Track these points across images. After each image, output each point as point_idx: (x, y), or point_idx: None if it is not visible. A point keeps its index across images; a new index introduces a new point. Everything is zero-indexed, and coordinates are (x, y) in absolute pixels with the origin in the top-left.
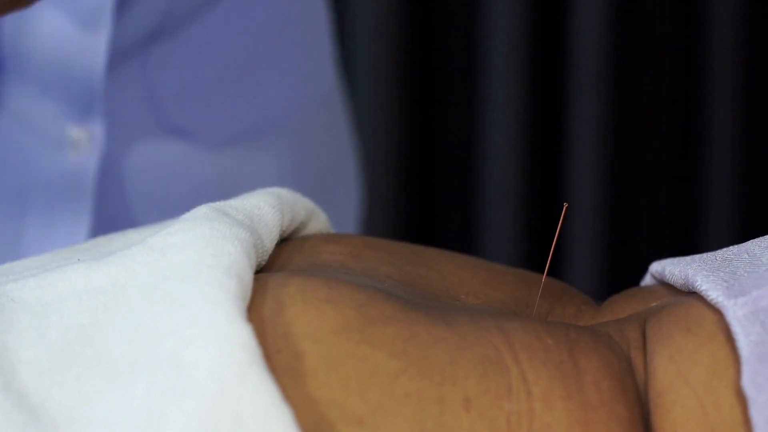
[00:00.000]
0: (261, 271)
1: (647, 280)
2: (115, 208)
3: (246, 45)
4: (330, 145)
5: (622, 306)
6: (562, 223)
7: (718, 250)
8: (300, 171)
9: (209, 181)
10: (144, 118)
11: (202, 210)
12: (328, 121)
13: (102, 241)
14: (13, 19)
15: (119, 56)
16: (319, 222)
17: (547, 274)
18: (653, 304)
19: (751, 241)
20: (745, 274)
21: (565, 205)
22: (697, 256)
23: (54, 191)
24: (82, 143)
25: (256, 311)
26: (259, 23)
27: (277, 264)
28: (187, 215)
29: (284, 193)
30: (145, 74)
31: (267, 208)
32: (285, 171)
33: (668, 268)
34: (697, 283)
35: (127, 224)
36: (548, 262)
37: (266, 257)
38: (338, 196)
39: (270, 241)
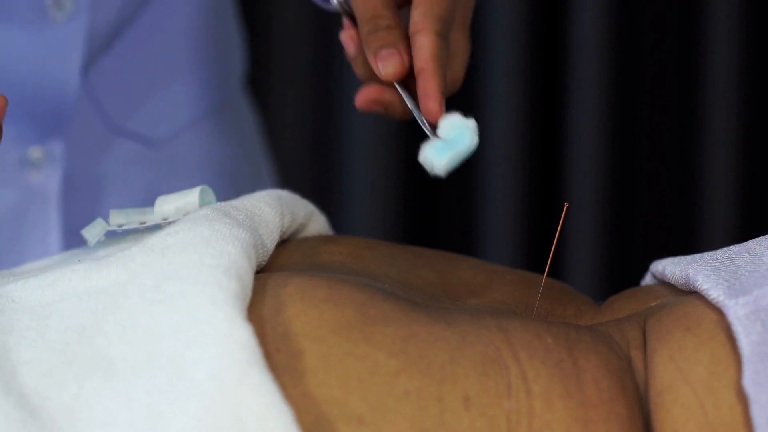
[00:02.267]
0: (261, 271)
1: (648, 280)
2: (85, 216)
3: (169, 54)
4: (241, 135)
5: (621, 306)
6: (562, 224)
7: (719, 250)
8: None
9: (162, 175)
10: (95, 124)
11: (202, 211)
12: (238, 114)
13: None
14: None
15: None
16: (319, 223)
17: (548, 275)
18: (653, 304)
19: (751, 240)
20: (746, 274)
21: (566, 205)
22: (697, 256)
23: (19, 212)
24: (43, 163)
25: (255, 310)
26: (179, 35)
27: (277, 264)
28: (188, 216)
29: (284, 194)
30: (87, 84)
31: (267, 209)
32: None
33: (669, 268)
34: (698, 283)
35: None
36: (548, 262)
37: (267, 257)
38: (251, 183)
39: (270, 242)
